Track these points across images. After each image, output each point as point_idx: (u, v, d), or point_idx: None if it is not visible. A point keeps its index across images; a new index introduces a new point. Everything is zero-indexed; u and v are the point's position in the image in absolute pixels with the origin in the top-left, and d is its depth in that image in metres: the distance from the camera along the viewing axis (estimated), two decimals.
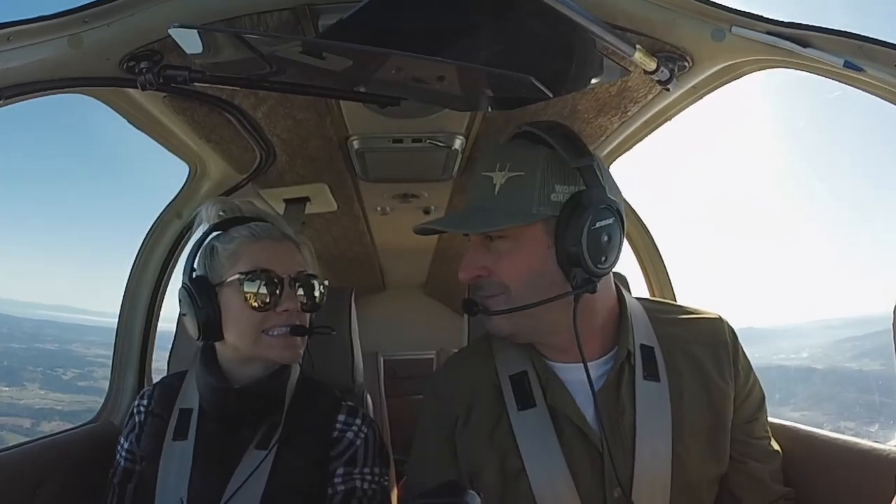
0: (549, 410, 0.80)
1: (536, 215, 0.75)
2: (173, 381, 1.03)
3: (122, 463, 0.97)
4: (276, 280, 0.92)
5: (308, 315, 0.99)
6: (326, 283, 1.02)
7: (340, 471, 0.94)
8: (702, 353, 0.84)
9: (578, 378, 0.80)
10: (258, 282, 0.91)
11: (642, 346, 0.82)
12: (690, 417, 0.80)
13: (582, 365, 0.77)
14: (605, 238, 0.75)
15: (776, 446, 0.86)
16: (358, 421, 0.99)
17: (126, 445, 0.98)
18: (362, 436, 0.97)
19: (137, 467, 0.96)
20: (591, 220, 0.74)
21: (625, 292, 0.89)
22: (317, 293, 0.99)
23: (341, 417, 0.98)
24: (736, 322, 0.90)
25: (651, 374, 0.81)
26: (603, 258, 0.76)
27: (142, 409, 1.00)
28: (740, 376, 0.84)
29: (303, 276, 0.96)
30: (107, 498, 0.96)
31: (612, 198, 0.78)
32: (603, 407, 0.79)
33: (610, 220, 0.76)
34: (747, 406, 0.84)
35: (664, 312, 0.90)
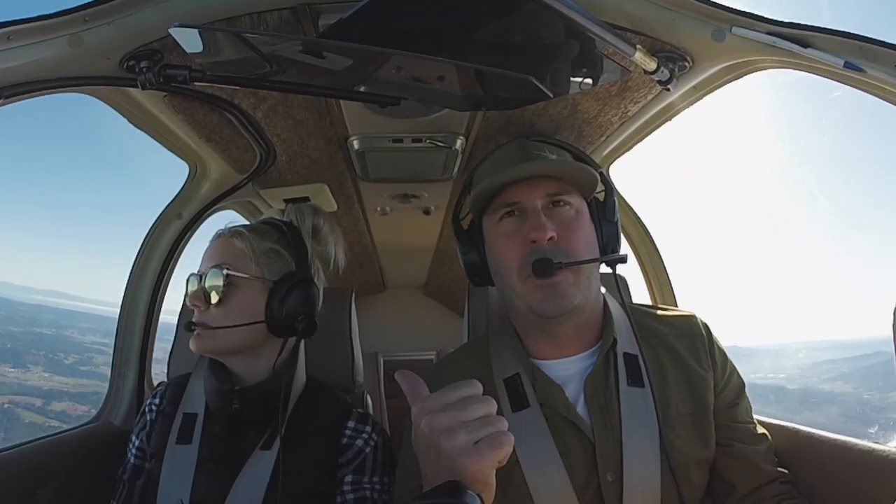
0: (541, 408, 0.82)
1: (594, 193, 0.89)
2: (183, 381, 1.03)
3: (133, 460, 0.97)
4: (195, 276, 0.95)
5: (217, 308, 0.91)
6: (227, 271, 0.91)
7: (349, 479, 0.92)
8: (679, 345, 0.88)
9: (566, 373, 0.85)
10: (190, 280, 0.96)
11: (626, 353, 0.85)
12: (675, 403, 0.83)
13: (569, 360, 0.86)
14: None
15: (762, 430, 0.88)
16: (368, 428, 0.97)
17: (136, 443, 0.98)
18: (372, 444, 0.95)
19: (147, 465, 0.96)
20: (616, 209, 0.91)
21: (605, 292, 0.92)
22: (210, 283, 0.91)
23: (351, 423, 0.96)
24: (724, 340, 0.92)
25: (635, 380, 0.83)
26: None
27: (153, 407, 1.01)
28: (717, 366, 0.88)
29: (208, 269, 0.93)
30: (116, 493, 0.95)
31: None
32: (591, 395, 0.82)
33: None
34: (728, 393, 0.87)
35: (642, 310, 0.95)
